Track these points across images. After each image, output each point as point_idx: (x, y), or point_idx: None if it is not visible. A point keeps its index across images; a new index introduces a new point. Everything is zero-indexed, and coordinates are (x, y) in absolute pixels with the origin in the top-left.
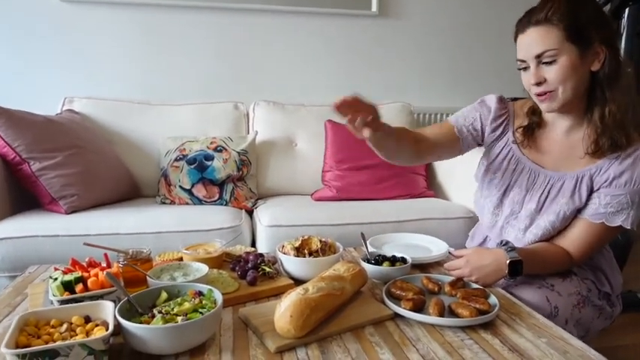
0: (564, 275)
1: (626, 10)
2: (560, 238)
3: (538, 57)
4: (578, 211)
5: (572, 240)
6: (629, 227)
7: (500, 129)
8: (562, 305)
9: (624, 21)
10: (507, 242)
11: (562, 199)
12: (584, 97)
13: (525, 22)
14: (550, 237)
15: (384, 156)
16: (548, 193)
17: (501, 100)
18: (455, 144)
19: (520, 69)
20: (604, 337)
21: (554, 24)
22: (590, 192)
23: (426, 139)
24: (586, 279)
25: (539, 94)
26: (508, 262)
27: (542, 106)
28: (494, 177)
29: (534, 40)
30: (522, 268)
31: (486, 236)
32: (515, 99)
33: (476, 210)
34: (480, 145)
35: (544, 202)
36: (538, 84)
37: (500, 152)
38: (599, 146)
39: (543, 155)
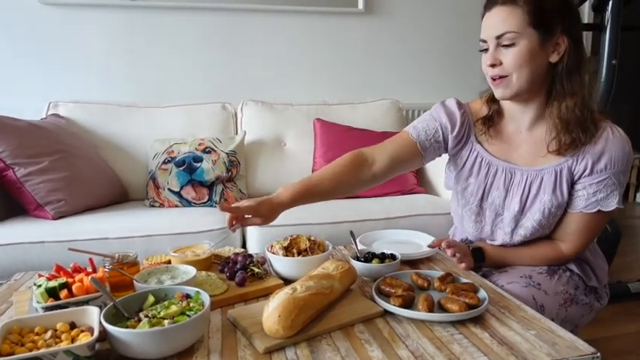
0: (552, 273)
1: (610, 3)
2: (560, 234)
3: (498, 38)
4: (566, 207)
5: (573, 235)
6: (621, 207)
7: (464, 135)
8: (548, 304)
9: (608, 13)
10: (467, 240)
11: (544, 195)
12: (543, 90)
13: (493, 0)
14: (539, 235)
15: (338, 197)
16: (529, 190)
17: (460, 104)
18: (416, 158)
19: (481, 50)
20: (594, 328)
21: (519, 6)
22: (572, 184)
23: (382, 160)
24: (573, 275)
25: (493, 79)
26: (471, 249)
27: (496, 92)
28: (467, 184)
29: (496, 21)
30: (484, 254)
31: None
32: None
33: (455, 219)
34: (440, 156)
35: (526, 201)
36: (493, 65)
37: (467, 158)
38: (561, 144)
39: (512, 152)
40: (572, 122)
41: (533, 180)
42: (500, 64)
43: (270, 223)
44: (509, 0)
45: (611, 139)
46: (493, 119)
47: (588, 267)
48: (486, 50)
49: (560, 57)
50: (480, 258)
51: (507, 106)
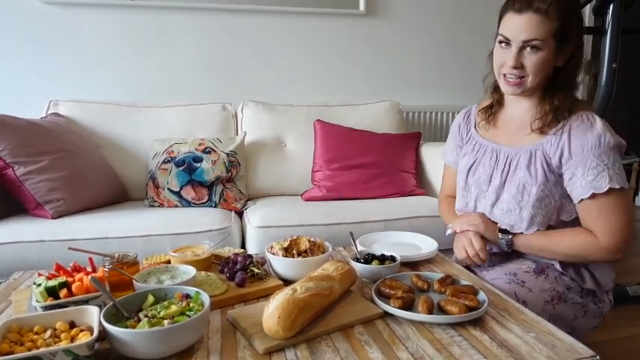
0: (539, 272)
1: (611, 7)
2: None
3: (525, 42)
4: (565, 201)
5: (593, 224)
6: (626, 186)
7: (468, 133)
8: (531, 300)
9: (608, 17)
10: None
11: (520, 172)
12: (542, 86)
13: (525, 5)
14: (517, 214)
15: None
16: (509, 167)
17: (466, 111)
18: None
19: (500, 42)
20: (594, 331)
21: (551, 18)
22: (552, 169)
23: (454, 195)
24: (563, 276)
25: (509, 77)
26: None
27: (508, 89)
28: (461, 159)
29: (527, 26)
30: (511, 234)
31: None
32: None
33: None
34: None
35: (506, 176)
36: (515, 67)
37: (467, 142)
38: (544, 122)
39: (499, 132)
40: (560, 111)
41: (513, 157)
42: (522, 66)
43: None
44: (543, 11)
45: (586, 123)
46: (493, 107)
47: (586, 271)
48: (506, 46)
49: (565, 62)
50: (505, 232)
51: (510, 97)
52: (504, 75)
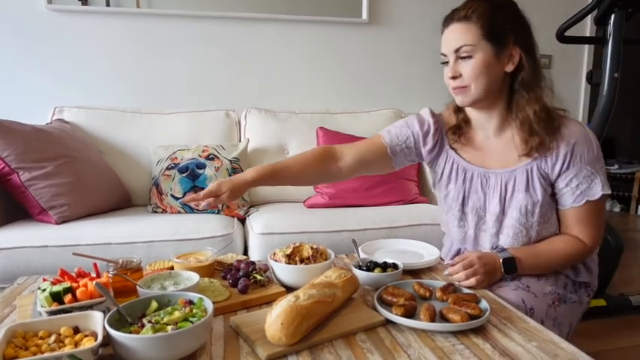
0: (539, 274)
1: (612, 17)
2: (566, 232)
3: (456, 51)
4: (557, 207)
5: (577, 227)
6: (609, 192)
7: (438, 144)
8: (537, 306)
9: (610, 27)
10: (497, 246)
11: (519, 194)
12: (503, 97)
13: (449, 18)
14: (524, 235)
15: (303, 184)
16: (506, 190)
17: (433, 114)
18: (386, 161)
19: (442, 63)
20: (597, 341)
21: (473, 22)
22: (551, 184)
23: (350, 157)
24: (560, 275)
25: (454, 88)
26: (501, 260)
27: (457, 100)
28: (447, 191)
29: (454, 36)
30: (516, 264)
31: (459, 249)
32: None
33: (442, 227)
34: (413, 162)
35: (504, 201)
36: (454, 78)
37: (444, 166)
38: (529, 146)
39: (485, 158)
40: (535, 126)
41: (508, 181)
42: (460, 75)
43: (272, 231)
44: (463, 17)
45: (576, 133)
46: (462, 128)
47: (579, 263)
48: (447, 63)
49: (516, 67)
50: (510, 269)
51: (473, 115)
52: (452, 88)
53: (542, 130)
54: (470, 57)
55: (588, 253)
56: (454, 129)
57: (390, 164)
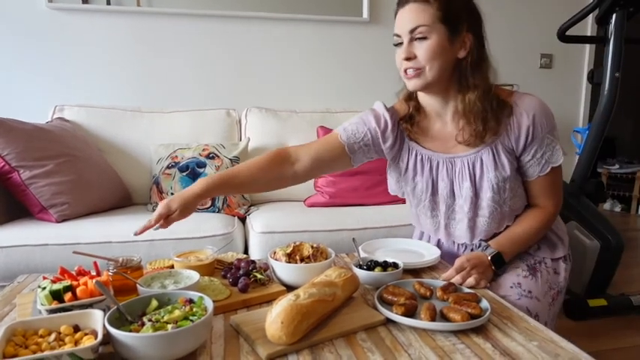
0: (533, 272)
1: (613, 16)
2: (533, 202)
3: (411, 32)
4: (523, 180)
5: (544, 196)
6: (563, 157)
7: (398, 139)
8: (541, 311)
9: (611, 26)
10: (480, 244)
11: (489, 173)
12: (454, 83)
13: None
14: (498, 212)
15: (257, 191)
16: (474, 173)
17: (387, 108)
18: (344, 159)
19: (395, 44)
20: (598, 340)
21: (430, 3)
22: (516, 158)
23: (305, 158)
24: (547, 266)
25: (408, 71)
26: (489, 258)
27: (409, 84)
28: (414, 183)
29: (410, 16)
30: (503, 258)
31: (438, 240)
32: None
33: (413, 221)
34: (372, 159)
35: (475, 183)
36: (408, 59)
37: (408, 159)
38: (470, 133)
39: (447, 143)
40: (474, 113)
41: (475, 162)
42: (415, 57)
43: (272, 230)
44: None
45: (533, 105)
46: (414, 117)
47: (553, 234)
48: (399, 44)
49: (467, 53)
50: (499, 264)
51: (429, 102)
52: (405, 71)
53: (478, 118)
54: (425, 38)
55: (554, 218)
56: (406, 118)
57: (349, 162)
